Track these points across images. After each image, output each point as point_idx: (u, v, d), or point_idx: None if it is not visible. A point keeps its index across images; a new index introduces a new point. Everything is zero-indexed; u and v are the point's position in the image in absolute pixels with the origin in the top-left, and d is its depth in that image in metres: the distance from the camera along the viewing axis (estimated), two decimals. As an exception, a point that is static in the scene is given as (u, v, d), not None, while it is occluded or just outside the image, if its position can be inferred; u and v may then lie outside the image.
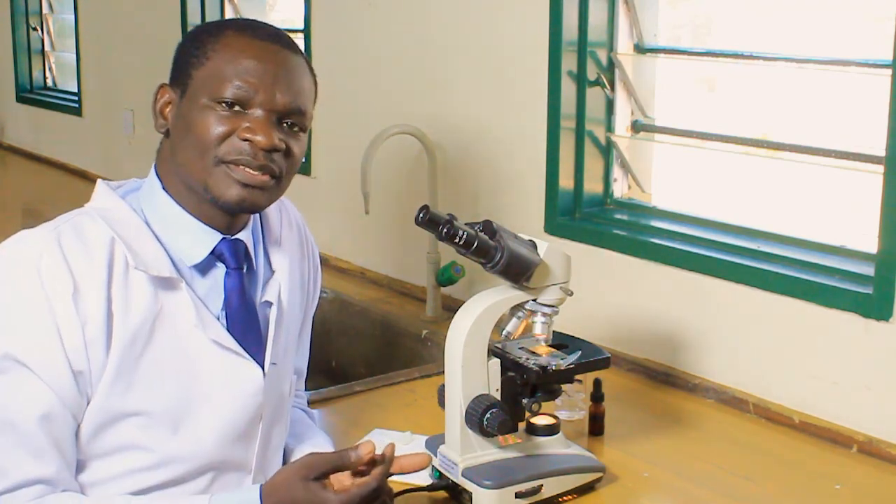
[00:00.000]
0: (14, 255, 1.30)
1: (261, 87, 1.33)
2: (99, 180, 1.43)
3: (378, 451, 1.36)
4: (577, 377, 1.77)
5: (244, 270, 1.42)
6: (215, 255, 1.40)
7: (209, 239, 1.39)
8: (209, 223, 1.39)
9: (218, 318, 1.39)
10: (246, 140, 1.32)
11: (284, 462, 1.56)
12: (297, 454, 1.57)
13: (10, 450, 1.27)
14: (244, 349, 1.40)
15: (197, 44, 1.37)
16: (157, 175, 1.40)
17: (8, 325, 1.28)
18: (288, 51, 1.37)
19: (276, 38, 1.38)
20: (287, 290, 1.48)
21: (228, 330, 1.39)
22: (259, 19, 1.46)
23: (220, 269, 1.41)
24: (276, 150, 1.34)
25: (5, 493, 1.27)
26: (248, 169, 1.33)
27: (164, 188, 1.39)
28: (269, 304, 1.46)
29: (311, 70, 1.42)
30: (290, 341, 1.53)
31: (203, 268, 1.39)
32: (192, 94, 1.35)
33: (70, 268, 1.28)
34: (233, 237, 1.41)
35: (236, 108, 1.33)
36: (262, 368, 1.42)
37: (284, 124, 1.36)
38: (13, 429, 1.27)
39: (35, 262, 1.27)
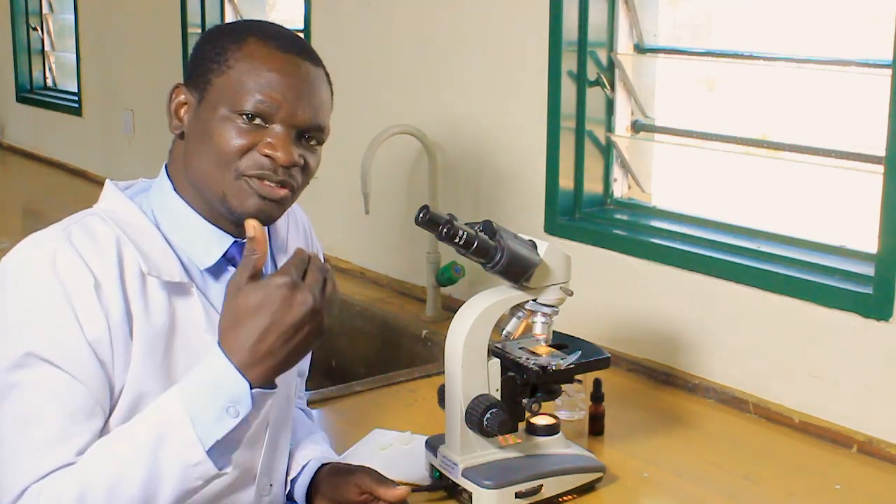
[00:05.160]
0: (28, 257, 1.29)
1: (283, 102, 1.32)
2: (107, 180, 1.42)
3: None
4: (577, 377, 1.77)
5: None
6: (227, 259, 1.39)
7: (221, 242, 1.38)
8: (221, 227, 1.38)
9: None
10: (266, 156, 1.32)
11: (289, 465, 1.56)
12: (298, 454, 1.57)
13: (38, 443, 1.25)
14: None
15: (218, 49, 1.35)
16: (168, 176, 1.40)
17: (28, 325, 1.26)
18: (310, 63, 1.36)
19: (299, 49, 1.36)
20: None
21: None
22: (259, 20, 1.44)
23: (231, 273, 1.40)
24: (295, 165, 1.34)
25: (34, 483, 1.25)
26: (267, 182, 1.33)
27: (175, 190, 1.38)
28: None
29: (329, 80, 1.41)
30: None
31: (214, 271, 1.39)
32: (211, 100, 1.33)
33: (87, 263, 1.27)
34: (244, 240, 1.41)
35: (257, 121, 1.32)
36: None
37: (303, 139, 1.36)
38: (39, 423, 1.25)
39: (50, 260, 1.26)
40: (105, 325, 1.26)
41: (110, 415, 1.30)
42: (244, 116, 1.32)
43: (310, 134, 1.36)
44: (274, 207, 1.36)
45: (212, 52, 1.35)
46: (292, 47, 1.36)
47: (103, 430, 1.29)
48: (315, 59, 1.38)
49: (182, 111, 1.38)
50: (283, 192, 1.35)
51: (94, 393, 1.27)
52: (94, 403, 1.28)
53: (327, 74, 1.41)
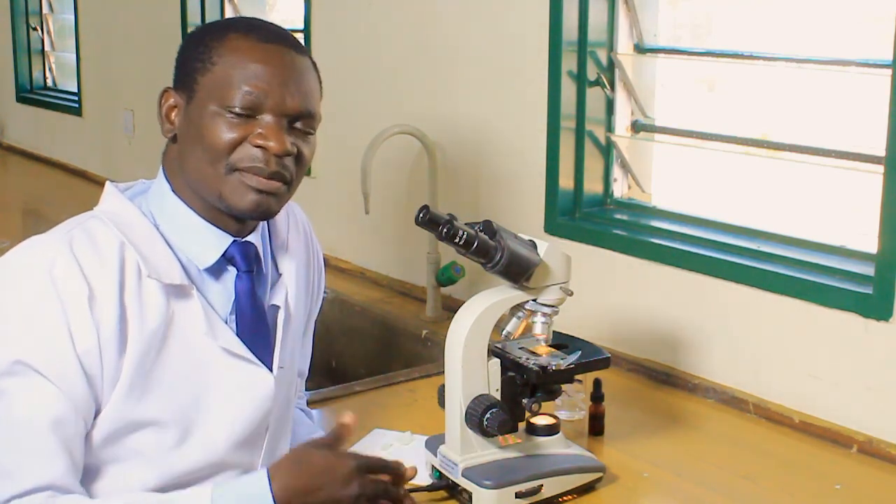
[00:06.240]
0: (26, 262, 1.30)
1: (270, 91, 1.32)
2: (108, 182, 1.42)
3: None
4: (577, 377, 1.77)
5: (254, 273, 1.42)
6: (226, 258, 1.39)
7: (220, 242, 1.38)
8: (220, 226, 1.38)
9: (227, 322, 1.39)
10: (258, 147, 1.32)
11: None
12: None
13: (22, 454, 1.26)
14: (253, 353, 1.40)
15: (201, 48, 1.35)
16: (166, 177, 1.40)
17: (20, 332, 1.27)
18: (294, 52, 1.36)
19: (281, 38, 1.36)
20: (294, 294, 1.48)
21: (238, 333, 1.39)
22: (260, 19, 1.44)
23: (230, 273, 1.40)
24: (288, 154, 1.34)
25: (15, 498, 1.26)
26: (260, 177, 1.33)
27: (173, 191, 1.38)
28: (276, 307, 1.46)
29: (316, 68, 1.41)
30: (295, 345, 1.53)
31: (214, 271, 1.39)
32: (199, 100, 1.34)
33: (84, 273, 1.27)
34: (243, 240, 1.41)
35: (247, 113, 1.32)
36: (271, 372, 1.42)
37: (294, 127, 1.36)
38: (24, 433, 1.26)
39: (48, 268, 1.27)
40: (95, 340, 1.27)
41: (95, 422, 1.31)
42: (233, 110, 1.31)
43: (301, 121, 1.36)
44: (272, 201, 1.36)
45: (195, 52, 1.35)
46: (274, 37, 1.36)
47: (87, 445, 1.30)
48: (299, 48, 1.38)
49: (173, 114, 1.38)
50: (277, 184, 1.34)
51: (79, 407, 1.28)
52: (78, 417, 1.28)
53: (314, 63, 1.41)
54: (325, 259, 1.69)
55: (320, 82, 1.42)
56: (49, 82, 5.50)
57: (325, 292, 1.70)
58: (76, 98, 4.87)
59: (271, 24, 1.41)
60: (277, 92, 1.32)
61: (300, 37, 3.13)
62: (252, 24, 1.39)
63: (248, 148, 1.32)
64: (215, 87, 1.32)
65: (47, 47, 5.45)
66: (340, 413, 1.34)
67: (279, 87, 1.32)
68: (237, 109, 1.31)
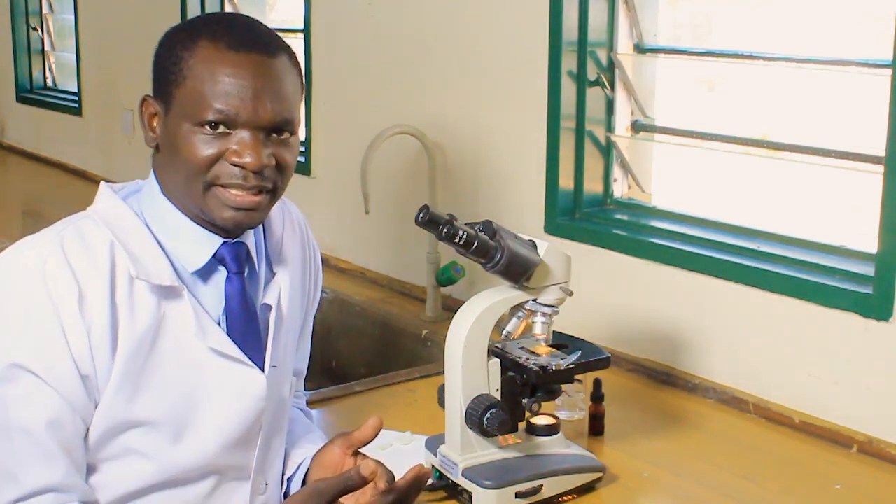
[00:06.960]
0: (19, 263, 1.29)
1: (242, 107, 1.29)
2: (102, 183, 1.42)
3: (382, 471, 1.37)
4: (577, 377, 1.77)
5: (245, 274, 1.41)
6: (217, 259, 1.39)
7: (210, 243, 1.38)
8: (210, 228, 1.38)
9: (219, 323, 1.39)
10: (235, 164, 1.30)
11: (285, 464, 1.55)
12: (294, 453, 1.57)
13: (23, 457, 1.27)
14: (245, 353, 1.39)
15: (173, 57, 1.32)
16: (157, 178, 1.39)
17: (15, 334, 1.27)
18: (267, 56, 1.32)
19: (251, 43, 1.32)
20: (287, 293, 1.47)
21: (229, 334, 1.38)
22: (256, 18, 1.42)
23: (221, 273, 1.39)
24: (266, 167, 1.31)
25: (20, 501, 1.26)
26: (239, 192, 1.31)
27: (163, 192, 1.38)
28: (269, 306, 1.46)
29: (296, 64, 1.37)
30: (289, 344, 1.52)
31: (205, 272, 1.38)
32: (175, 112, 1.32)
33: (75, 274, 1.27)
34: (234, 241, 1.40)
35: (221, 128, 1.30)
36: (263, 371, 1.42)
37: (272, 135, 1.33)
38: (24, 436, 1.26)
39: (40, 268, 1.26)
40: (86, 341, 1.27)
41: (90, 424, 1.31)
42: (207, 126, 1.29)
43: (278, 130, 1.33)
44: (253, 215, 1.34)
45: (168, 62, 1.33)
46: (244, 44, 1.31)
47: (86, 443, 1.30)
48: (272, 49, 1.33)
49: (154, 122, 1.36)
50: (258, 198, 1.33)
51: (77, 407, 1.28)
52: (76, 417, 1.28)
53: (291, 56, 1.36)
54: (324, 259, 1.69)
55: (301, 78, 1.38)
56: (49, 82, 5.49)
57: (324, 292, 1.70)
58: (76, 98, 4.87)
59: (242, 23, 1.37)
60: (250, 106, 1.29)
61: (300, 37, 3.13)
62: (222, 25, 1.35)
63: (225, 165, 1.30)
64: (188, 101, 1.30)
65: (47, 47, 5.44)
66: (363, 464, 1.35)
67: (252, 100, 1.29)
68: (211, 125, 1.29)
